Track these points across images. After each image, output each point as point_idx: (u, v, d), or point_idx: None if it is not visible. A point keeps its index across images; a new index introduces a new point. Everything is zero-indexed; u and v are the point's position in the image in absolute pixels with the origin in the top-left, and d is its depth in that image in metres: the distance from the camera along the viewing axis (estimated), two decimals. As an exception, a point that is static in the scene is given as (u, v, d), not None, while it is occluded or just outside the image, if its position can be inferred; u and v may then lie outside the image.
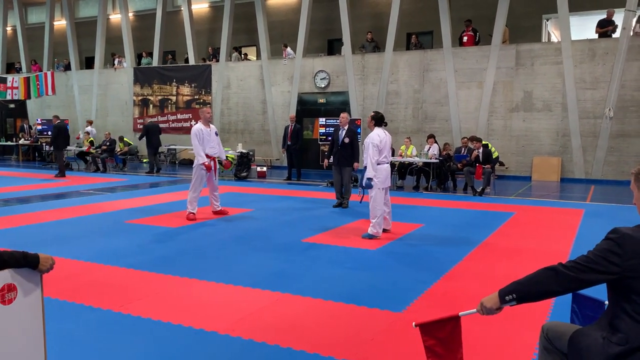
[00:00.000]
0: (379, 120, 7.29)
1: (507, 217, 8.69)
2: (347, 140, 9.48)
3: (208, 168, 8.34)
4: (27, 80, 19.81)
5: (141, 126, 20.96)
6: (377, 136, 7.09)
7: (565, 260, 2.21)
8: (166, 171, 17.16)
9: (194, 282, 4.98)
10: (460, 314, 2.48)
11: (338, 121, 10.13)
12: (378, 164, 7.06)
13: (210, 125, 8.68)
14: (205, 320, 3.98)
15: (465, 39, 15.81)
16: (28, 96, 20.22)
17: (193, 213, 8.31)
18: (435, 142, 12.99)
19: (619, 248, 2.09)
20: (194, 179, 8.42)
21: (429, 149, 12.71)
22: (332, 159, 9.96)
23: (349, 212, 9.13)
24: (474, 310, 2.40)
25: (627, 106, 13.91)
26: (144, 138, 16.45)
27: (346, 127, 9.64)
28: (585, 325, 2.42)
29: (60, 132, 14.62)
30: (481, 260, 5.95)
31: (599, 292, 2.36)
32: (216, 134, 8.69)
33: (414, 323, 2.54)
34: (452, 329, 2.49)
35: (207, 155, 8.41)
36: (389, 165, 7.26)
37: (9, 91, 20.22)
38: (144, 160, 19.95)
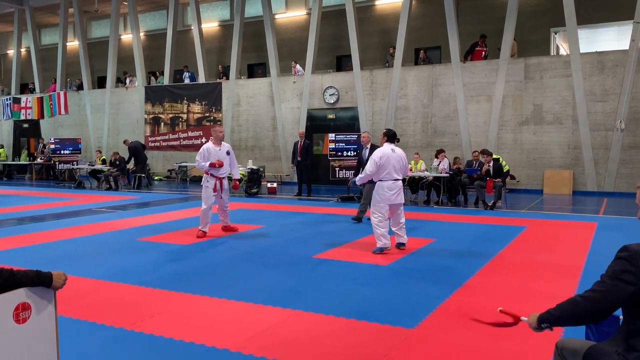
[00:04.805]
0: (390, 136, 7.31)
1: (519, 231, 8.63)
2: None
3: (212, 165, 8.21)
4: (40, 100, 20.12)
5: (153, 144, 21.21)
6: (379, 152, 7.12)
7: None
8: (177, 189, 17.26)
9: (206, 299, 4.98)
10: (522, 318, 3.42)
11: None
12: (381, 180, 7.08)
13: (223, 144, 8.54)
14: (217, 337, 3.97)
15: (483, 54, 15.77)
16: (41, 116, 20.52)
17: (203, 231, 8.23)
18: (445, 156, 12.98)
19: (632, 265, 2.08)
20: (202, 195, 8.40)
21: (439, 164, 12.69)
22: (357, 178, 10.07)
23: (360, 228, 9.11)
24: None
25: (638, 118, 13.82)
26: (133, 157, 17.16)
27: (369, 146, 9.75)
28: (601, 340, 2.40)
29: None
30: (494, 274, 5.91)
31: (614, 306, 2.33)
32: (228, 153, 8.49)
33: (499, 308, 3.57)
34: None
35: (212, 175, 8.33)
36: (393, 182, 7.09)
37: (22, 111, 20.54)
38: (156, 178, 20.10)
